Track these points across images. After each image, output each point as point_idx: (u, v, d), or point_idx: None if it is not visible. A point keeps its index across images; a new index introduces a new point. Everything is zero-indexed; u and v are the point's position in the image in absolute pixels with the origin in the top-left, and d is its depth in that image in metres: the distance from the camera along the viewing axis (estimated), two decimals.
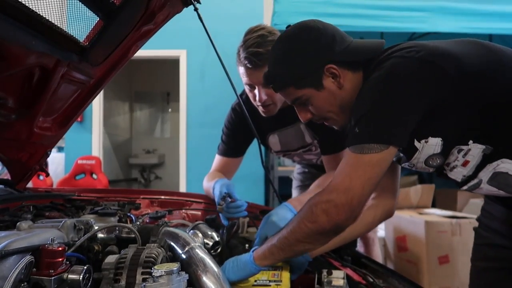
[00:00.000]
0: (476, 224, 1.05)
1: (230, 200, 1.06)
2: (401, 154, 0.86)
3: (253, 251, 0.84)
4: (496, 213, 0.96)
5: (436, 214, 2.48)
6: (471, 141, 0.78)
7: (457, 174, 0.84)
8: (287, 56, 0.85)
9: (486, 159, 0.79)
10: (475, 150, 0.78)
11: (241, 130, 1.30)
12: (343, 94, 0.85)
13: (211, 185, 1.18)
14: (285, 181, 2.84)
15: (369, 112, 0.75)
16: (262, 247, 0.84)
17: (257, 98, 1.16)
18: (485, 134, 0.77)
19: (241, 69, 1.15)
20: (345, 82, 0.84)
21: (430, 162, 0.83)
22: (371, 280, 0.89)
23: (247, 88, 1.20)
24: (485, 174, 0.81)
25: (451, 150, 0.80)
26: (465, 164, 0.81)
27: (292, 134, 1.31)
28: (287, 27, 0.89)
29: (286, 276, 0.87)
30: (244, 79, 1.17)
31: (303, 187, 1.67)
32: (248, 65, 1.10)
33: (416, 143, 0.80)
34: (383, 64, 0.77)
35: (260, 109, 1.21)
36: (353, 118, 0.79)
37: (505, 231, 0.93)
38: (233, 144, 1.36)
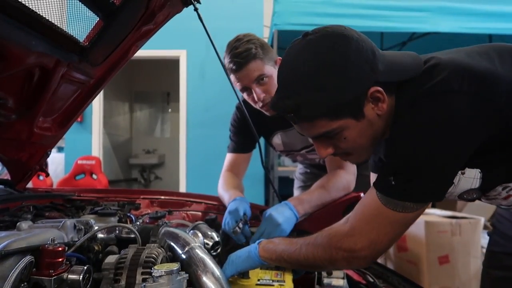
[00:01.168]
0: (479, 224, 1.03)
1: (247, 224, 1.04)
2: None
3: (258, 243, 0.82)
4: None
5: (436, 214, 2.48)
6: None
7: (495, 203, 0.78)
8: (319, 77, 0.64)
9: None
10: None
11: (247, 127, 1.29)
12: (380, 123, 0.69)
13: (226, 197, 1.18)
14: (285, 181, 2.84)
15: (409, 168, 0.64)
16: (270, 247, 0.81)
17: (255, 98, 1.16)
18: None
19: (232, 77, 1.17)
20: (386, 108, 0.68)
21: (465, 196, 0.75)
22: (371, 280, 0.89)
23: (245, 95, 1.21)
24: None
25: (494, 187, 0.71)
26: (507, 197, 0.74)
27: (296, 134, 1.31)
28: (304, 35, 0.68)
29: (289, 276, 0.87)
30: (238, 85, 1.17)
31: (305, 187, 1.66)
32: (234, 67, 1.13)
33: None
34: (423, 101, 0.63)
35: (263, 109, 1.20)
36: (389, 163, 0.68)
37: None
38: (241, 140, 1.37)
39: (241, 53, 1.11)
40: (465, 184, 0.71)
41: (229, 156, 1.40)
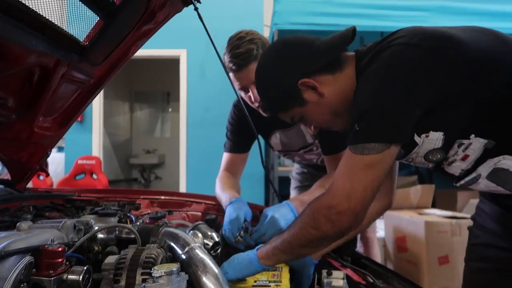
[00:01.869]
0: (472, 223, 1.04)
1: (249, 231, 1.01)
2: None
3: (257, 250, 0.83)
4: (491, 212, 0.94)
5: (436, 214, 2.48)
6: (472, 135, 0.74)
7: (456, 168, 0.81)
8: (264, 86, 0.87)
9: (487, 154, 0.75)
10: (476, 144, 0.75)
11: (245, 126, 1.28)
12: (329, 100, 0.82)
13: (223, 199, 1.17)
14: (285, 181, 2.84)
15: (370, 108, 0.71)
16: (266, 247, 0.83)
17: (252, 98, 1.16)
18: (489, 128, 0.74)
19: (231, 75, 1.17)
20: (326, 88, 0.80)
21: (430, 157, 0.80)
22: (371, 280, 0.89)
23: (242, 94, 1.20)
24: (484, 169, 0.78)
25: (453, 145, 0.76)
26: (464, 158, 0.78)
27: (293, 134, 1.31)
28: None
29: (285, 276, 0.87)
30: (236, 84, 1.17)
31: (302, 187, 1.66)
32: (233, 67, 1.12)
33: (416, 138, 0.75)
34: (381, 54, 0.72)
35: (261, 110, 1.20)
36: (352, 114, 0.75)
37: (500, 231, 0.91)
38: (238, 140, 1.36)
39: (242, 53, 1.10)
40: (429, 145, 0.77)
41: (226, 156, 1.39)
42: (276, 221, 0.97)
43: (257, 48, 1.12)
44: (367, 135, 0.71)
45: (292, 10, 2.85)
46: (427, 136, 0.75)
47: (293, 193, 1.74)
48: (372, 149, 0.70)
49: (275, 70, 0.84)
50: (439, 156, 0.79)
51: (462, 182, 0.84)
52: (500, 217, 0.91)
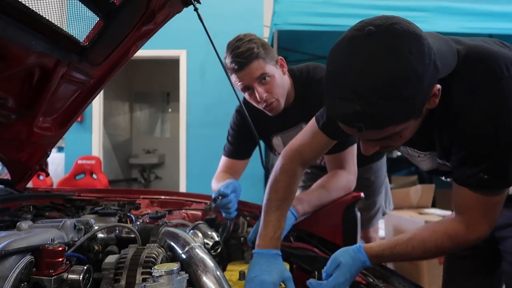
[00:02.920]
0: None
1: (220, 201, 1.06)
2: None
3: (363, 248, 0.81)
4: None
5: (436, 214, 2.48)
6: None
7: None
8: (396, 86, 0.58)
9: None
10: None
11: (247, 132, 1.28)
12: (424, 116, 0.69)
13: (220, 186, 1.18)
14: None
15: (497, 157, 0.69)
16: (377, 253, 0.81)
17: (258, 97, 1.16)
18: None
19: (233, 77, 1.17)
20: (437, 102, 0.67)
21: None
22: (371, 280, 0.89)
23: (246, 95, 1.20)
24: None
25: None
26: None
27: (294, 135, 1.31)
28: (368, 30, 0.60)
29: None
30: (239, 85, 1.17)
31: (305, 187, 1.66)
32: (236, 67, 1.12)
33: None
34: (486, 89, 0.66)
35: (266, 109, 1.20)
36: (468, 157, 0.71)
37: None
38: (238, 146, 1.36)
39: (243, 52, 1.11)
40: None
41: (224, 160, 1.38)
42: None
43: (258, 47, 1.12)
44: (501, 183, 0.73)
45: (291, 10, 2.85)
46: None
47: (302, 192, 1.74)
48: (502, 191, 0.74)
49: (418, 68, 0.58)
50: None
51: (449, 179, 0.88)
52: None
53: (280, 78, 1.18)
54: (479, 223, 0.76)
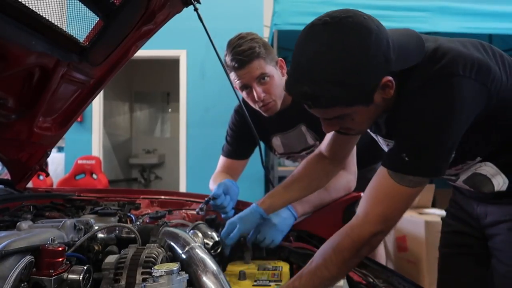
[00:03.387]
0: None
1: (213, 202, 1.06)
2: None
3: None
4: (462, 203, 1.00)
5: (436, 214, 2.48)
6: (479, 157, 0.79)
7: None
8: (340, 71, 0.65)
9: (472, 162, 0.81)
10: (477, 164, 0.81)
11: (245, 132, 1.29)
12: (383, 105, 0.73)
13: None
14: None
15: (425, 142, 0.69)
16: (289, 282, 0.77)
17: (255, 97, 1.16)
18: (489, 150, 0.78)
19: (232, 75, 1.17)
20: (392, 93, 0.72)
21: None
22: (371, 280, 0.89)
23: (244, 94, 1.20)
24: (464, 174, 0.84)
25: (459, 164, 0.81)
26: (457, 169, 0.84)
27: (294, 136, 1.31)
28: (324, 20, 0.68)
29: (286, 276, 0.87)
30: (237, 83, 1.17)
31: None
32: (236, 65, 1.12)
33: None
34: (435, 83, 0.69)
35: (262, 109, 1.20)
36: (401, 138, 0.73)
37: (470, 220, 0.97)
38: (237, 147, 1.36)
39: (245, 50, 1.11)
40: None
41: (222, 160, 1.38)
42: (268, 218, 1.00)
43: (259, 47, 1.12)
44: (418, 169, 0.70)
45: (292, 10, 2.84)
46: None
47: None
48: (418, 182, 0.71)
49: (364, 57, 0.65)
50: None
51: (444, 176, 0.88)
52: (470, 208, 0.97)
53: (279, 79, 1.18)
54: (377, 213, 0.73)
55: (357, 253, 0.74)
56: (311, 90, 0.67)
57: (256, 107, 1.21)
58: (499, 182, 0.82)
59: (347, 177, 1.17)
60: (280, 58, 1.23)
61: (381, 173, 0.75)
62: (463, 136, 0.72)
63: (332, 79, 0.66)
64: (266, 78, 1.14)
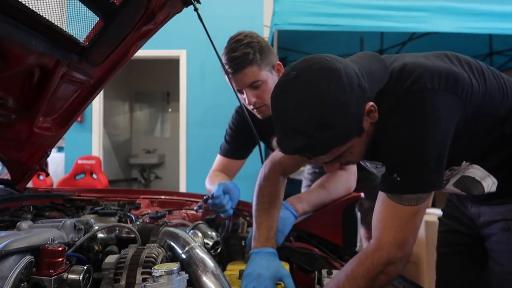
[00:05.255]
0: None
1: (211, 200, 1.07)
2: None
3: None
4: (457, 203, 1.01)
5: (436, 214, 2.47)
6: (464, 162, 0.81)
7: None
8: (325, 116, 0.68)
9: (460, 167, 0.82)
10: (463, 167, 0.82)
11: (245, 132, 1.29)
12: (372, 128, 0.75)
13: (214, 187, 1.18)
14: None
15: (412, 159, 0.71)
16: None
17: (247, 101, 1.17)
18: (473, 153, 0.80)
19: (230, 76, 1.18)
20: (377, 116, 0.74)
21: None
22: None
23: (239, 95, 1.21)
24: (453, 177, 0.86)
25: (446, 170, 0.82)
26: (446, 176, 0.85)
27: None
28: (292, 74, 0.70)
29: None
30: (234, 85, 1.18)
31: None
32: (230, 70, 1.14)
33: None
34: (407, 100, 0.71)
35: (255, 112, 1.21)
36: (387, 161, 0.75)
37: (465, 220, 0.98)
38: (236, 146, 1.36)
39: (237, 57, 1.12)
40: None
41: (219, 159, 1.39)
42: None
43: (254, 52, 1.13)
44: (411, 187, 0.71)
45: (292, 10, 2.84)
46: None
47: (302, 191, 1.74)
48: (418, 199, 0.72)
49: (343, 95, 0.67)
50: None
51: None
52: (464, 208, 0.98)
53: (273, 84, 1.18)
54: (388, 240, 0.73)
55: (372, 281, 0.73)
56: (304, 143, 0.69)
57: (250, 108, 1.22)
58: (489, 184, 0.83)
59: (347, 177, 1.17)
60: (278, 62, 1.22)
61: (381, 198, 0.75)
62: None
63: (320, 126, 0.68)
64: (258, 83, 1.15)
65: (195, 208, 1.07)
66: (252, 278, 0.81)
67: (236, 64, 1.12)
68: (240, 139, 1.35)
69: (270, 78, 1.18)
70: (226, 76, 1.18)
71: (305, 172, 1.76)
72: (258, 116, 1.23)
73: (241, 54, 1.11)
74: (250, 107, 1.20)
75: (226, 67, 1.15)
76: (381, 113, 0.74)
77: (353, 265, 0.75)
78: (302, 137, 0.69)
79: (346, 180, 1.17)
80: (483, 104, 0.76)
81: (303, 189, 1.76)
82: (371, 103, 0.72)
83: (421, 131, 0.69)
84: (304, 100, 0.69)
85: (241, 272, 0.87)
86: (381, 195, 0.76)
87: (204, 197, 1.08)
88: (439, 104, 0.70)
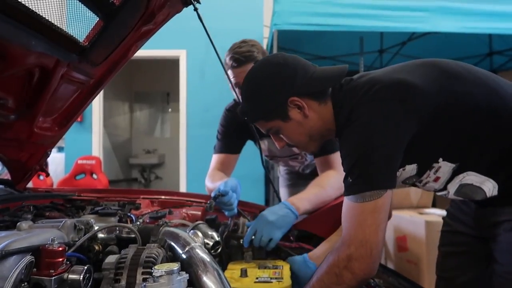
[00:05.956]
0: None
1: (221, 199, 1.07)
2: None
3: None
4: (462, 204, 1.02)
5: (436, 214, 2.47)
6: (441, 159, 0.83)
7: (429, 188, 0.90)
8: (253, 92, 0.89)
9: (454, 173, 0.84)
10: (445, 168, 0.83)
11: (236, 128, 1.34)
12: (310, 123, 0.89)
13: (218, 184, 1.18)
14: None
15: (359, 161, 0.77)
16: None
17: None
18: (454, 153, 0.82)
19: (229, 73, 1.25)
20: (311, 112, 0.88)
21: (407, 181, 0.90)
22: (371, 280, 0.89)
23: (238, 91, 1.24)
24: (452, 186, 0.87)
25: (426, 170, 0.85)
26: (436, 180, 0.87)
27: None
28: (257, 61, 0.94)
29: (286, 273, 0.88)
30: (233, 80, 1.24)
31: (292, 185, 1.69)
32: (234, 63, 1.22)
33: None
34: (360, 110, 0.80)
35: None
36: (344, 169, 0.81)
37: (469, 221, 0.99)
38: (229, 141, 1.40)
39: (244, 52, 1.21)
40: (406, 174, 0.87)
41: (215, 157, 1.42)
42: (264, 215, 1.01)
43: (257, 52, 1.23)
44: (364, 184, 0.77)
45: (291, 10, 2.84)
46: (404, 170, 0.85)
47: (282, 190, 1.76)
48: (372, 195, 0.76)
49: (270, 80, 0.87)
50: (414, 180, 0.89)
51: (437, 193, 0.94)
52: (468, 209, 0.99)
53: None
54: (349, 237, 0.76)
55: (336, 277, 0.76)
56: (242, 107, 0.93)
57: None
58: (489, 188, 0.84)
59: (339, 178, 1.17)
60: None
61: (344, 202, 0.81)
62: (411, 148, 0.78)
63: (249, 97, 0.91)
64: None
65: (206, 206, 1.06)
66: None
67: (242, 56, 1.20)
68: (232, 135, 1.39)
69: None
70: (225, 73, 1.22)
71: (281, 170, 1.78)
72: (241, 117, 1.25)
73: (247, 50, 1.22)
74: None
75: (230, 62, 1.22)
76: (339, 118, 0.86)
77: (322, 264, 0.81)
78: (242, 103, 0.93)
79: (338, 180, 1.17)
80: (455, 105, 0.80)
81: (281, 188, 1.78)
82: (295, 98, 0.86)
83: (366, 135, 0.77)
84: (250, 77, 0.91)
85: (243, 270, 0.87)
86: (344, 200, 0.81)
87: (213, 195, 1.07)
88: (384, 111, 0.78)
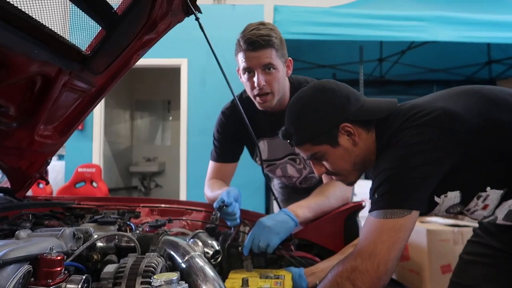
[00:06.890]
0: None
1: (225, 209, 1.05)
2: None
3: None
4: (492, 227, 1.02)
5: (438, 222, 2.46)
6: (488, 188, 0.82)
7: (478, 216, 0.89)
8: (304, 115, 0.89)
9: (502, 199, 0.83)
10: (494, 195, 0.83)
11: (233, 134, 1.28)
12: (357, 152, 0.88)
13: (218, 194, 1.16)
14: None
15: (389, 179, 0.78)
16: None
17: (255, 83, 1.14)
18: (501, 180, 0.81)
19: (240, 56, 1.15)
20: (360, 140, 0.88)
21: (451, 210, 0.88)
22: None
23: (245, 78, 1.18)
24: (501, 211, 0.86)
25: (472, 198, 0.84)
26: (484, 207, 0.86)
27: (281, 143, 1.29)
28: (303, 85, 0.94)
29: (288, 284, 0.87)
30: (242, 64, 1.15)
31: (285, 200, 1.59)
32: (249, 46, 1.11)
33: (436, 199, 0.84)
34: (402, 133, 0.81)
35: (257, 100, 1.18)
36: (372, 187, 0.81)
37: (499, 238, 0.98)
38: (226, 149, 1.35)
39: (263, 35, 1.12)
40: (449, 202, 0.85)
41: (212, 165, 1.37)
42: (262, 221, 1.01)
43: (276, 38, 1.14)
44: (388, 202, 0.77)
45: (292, 20, 2.88)
46: (445, 196, 0.84)
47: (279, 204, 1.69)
48: (394, 213, 0.76)
49: (324, 104, 0.88)
50: (458, 209, 0.88)
51: (484, 221, 0.93)
52: (502, 228, 0.96)
53: (282, 76, 1.18)
54: (362, 249, 0.76)
55: (337, 286, 0.75)
56: (287, 129, 0.92)
57: (251, 94, 1.19)
58: None
59: (343, 187, 1.16)
60: (289, 58, 1.23)
61: (367, 218, 0.81)
62: (454, 174, 0.79)
63: (297, 120, 0.90)
64: (272, 69, 1.14)
65: (212, 219, 1.04)
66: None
67: (260, 40, 1.10)
68: (229, 141, 1.33)
69: (281, 69, 1.17)
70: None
71: (275, 185, 1.68)
72: (259, 105, 1.19)
73: (266, 33, 1.12)
74: (255, 92, 1.16)
75: (245, 44, 1.11)
76: (379, 141, 0.87)
77: (328, 273, 0.80)
78: (289, 125, 0.92)
79: (343, 189, 1.16)
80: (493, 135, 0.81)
81: (275, 202, 1.72)
82: (348, 124, 0.86)
83: (402, 156, 0.79)
84: (297, 100, 0.92)
85: (244, 279, 0.86)
86: (367, 216, 0.81)
87: (216, 206, 1.05)
88: (423, 136, 0.78)
